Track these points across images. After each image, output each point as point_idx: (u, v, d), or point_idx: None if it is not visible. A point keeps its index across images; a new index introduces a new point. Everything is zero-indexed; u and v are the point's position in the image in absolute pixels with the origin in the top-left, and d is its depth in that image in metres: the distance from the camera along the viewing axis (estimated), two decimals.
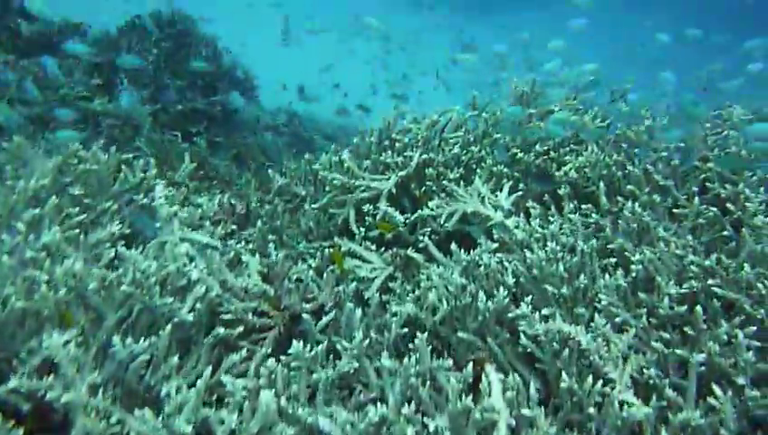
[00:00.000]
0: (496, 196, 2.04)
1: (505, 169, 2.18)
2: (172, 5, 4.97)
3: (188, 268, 1.46)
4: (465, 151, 2.27)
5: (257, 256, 1.86)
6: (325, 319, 1.49)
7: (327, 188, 2.18)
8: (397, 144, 2.29)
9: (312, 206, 2.15)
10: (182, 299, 1.37)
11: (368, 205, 2.08)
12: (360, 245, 1.99)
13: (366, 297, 1.77)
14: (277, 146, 6.29)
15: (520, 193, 2.07)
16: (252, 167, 3.67)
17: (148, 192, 1.91)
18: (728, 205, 1.67)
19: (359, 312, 1.49)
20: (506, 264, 1.59)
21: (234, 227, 2.12)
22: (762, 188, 1.78)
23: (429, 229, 2.02)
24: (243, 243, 1.94)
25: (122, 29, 4.75)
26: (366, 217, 2.06)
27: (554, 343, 1.24)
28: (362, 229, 2.03)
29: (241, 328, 1.40)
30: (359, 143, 2.29)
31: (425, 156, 2.22)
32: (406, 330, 1.45)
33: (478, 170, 2.20)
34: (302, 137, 6.67)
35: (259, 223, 2.05)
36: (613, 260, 1.59)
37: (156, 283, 1.32)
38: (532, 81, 2.78)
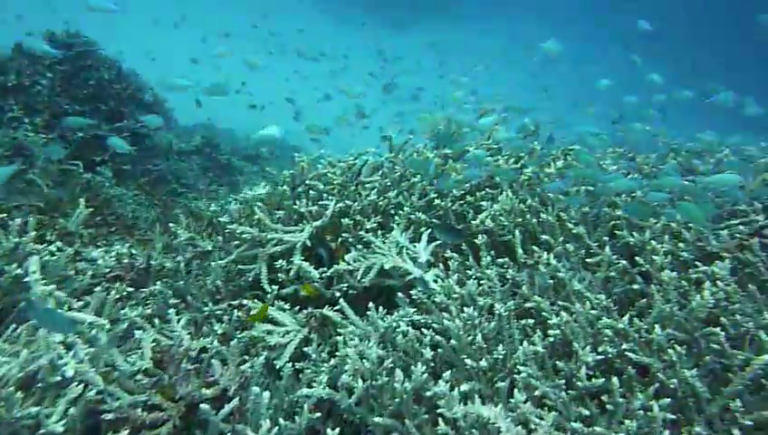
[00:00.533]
0: (415, 246, 1.97)
1: (423, 216, 2.12)
2: (69, 26, 4.57)
3: (64, 360, 1.26)
4: (382, 197, 2.20)
5: (155, 324, 1.67)
6: (228, 407, 1.34)
7: (236, 243, 2.02)
8: (311, 191, 2.18)
9: (220, 262, 1.98)
10: (53, 403, 1.18)
11: (281, 260, 1.95)
12: (273, 305, 1.85)
13: (278, 367, 1.64)
14: (192, 172, 5.97)
15: (439, 241, 2.01)
16: (161, 201, 3.40)
17: (25, 259, 1.67)
18: (637, 258, 1.70)
19: (266, 395, 1.36)
20: (425, 331, 1.51)
21: (130, 289, 1.91)
22: (666, 236, 1.84)
23: (346, 285, 1.91)
24: (139, 309, 1.74)
25: (12, 51, 4.30)
26: (279, 274, 1.93)
27: (474, 430, 1.17)
28: (275, 287, 1.89)
29: (127, 431, 1.22)
30: (270, 191, 2.15)
31: (341, 204, 2.12)
32: (318, 415, 1.33)
33: (396, 218, 2.13)
34: (218, 161, 6.38)
35: (159, 285, 1.86)
36: (531, 321, 1.56)
37: (17, 389, 1.11)
38: (448, 119, 2.78)
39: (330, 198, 2.14)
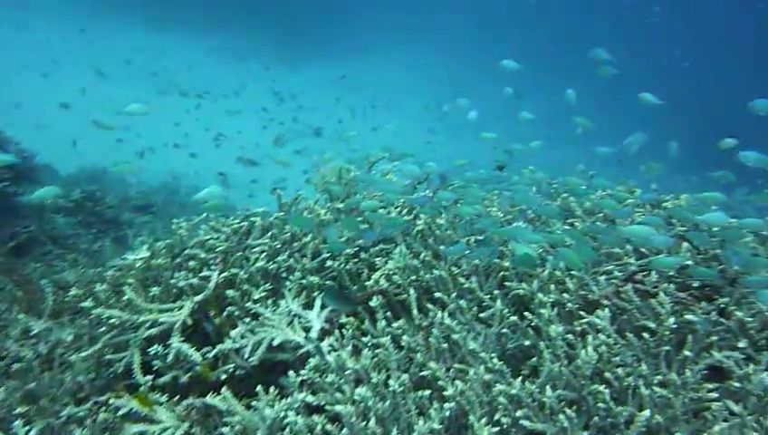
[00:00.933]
0: (308, 314, 1.86)
1: (316, 279, 2.03)
2: None
3: None
4: (272, 262, 2.07)
5: None
6: None
7: (103, 329, 1.80)
8: (192, 262, 2.01)
9: (82, 354, 1.74)
10: None
11: (158, 344, 1.75)
12: (147, 397, 1.65)
13: None
14: (71, 229, 5.43)
15: (333, 307, 1.92)
16: (20, 278, 3.00)
17: None
18: (525, 312, 1.71)
19: None
20: (316, 418, 1.40)
21: None
22: (553, 286, 1.88)
23: (233, 366, 1.76)
24: None
25: None
26: (155, 360, 1.73)
27: None
28: (149, 378, 1.69)
29: None
30: (143, 266, 1.95)
31: (225, 274, 1.97)
32: None
33: (287, 283, 2.01)
34: (102, 215, 5.86)
35: (2, 392, 1.59)
36: (428, 392, 1.50)
37: None
38: (339, 169, 2.73)
39: (213, 267, 1.99)
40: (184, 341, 1.76)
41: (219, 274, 1.95)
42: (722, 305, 1.66)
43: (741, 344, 1.50)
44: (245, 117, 10.65)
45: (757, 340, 1.54)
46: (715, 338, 1.52)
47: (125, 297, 1.81)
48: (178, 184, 8.80)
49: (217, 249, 2.07)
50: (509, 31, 17.05)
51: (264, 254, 2.11)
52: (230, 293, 1.90)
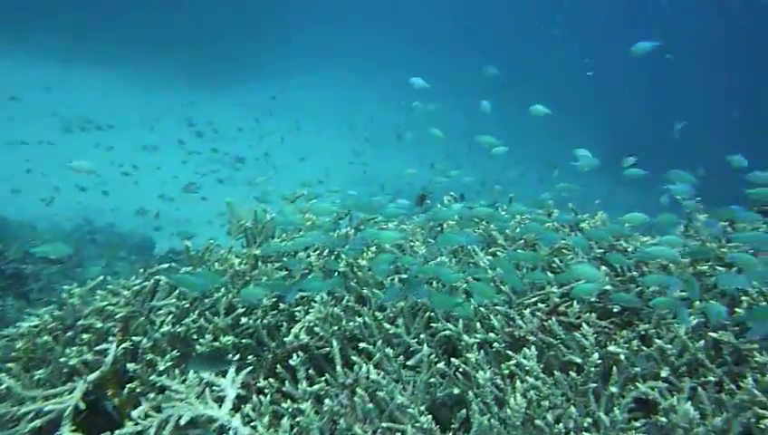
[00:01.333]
0: (221, 381, 1.70)
1: (231, 339, 1.87)
2: None
3: None
4: (179, 324, 1.89)
5: None
6: None
7: None
8: (86, 334, 1.79)
9: None
10: None
11: None
12: None
13: None
14: None
15: (250, 368, 1.77)
16: None
17: None
18: (452, 359, 1.64)
19: None
20: None
21: None
22: (479, 325, 1.83)
23: None
24: None
25: None
26: None
27: None
28: None
29: None
30: (27, 345, 1.71)
31: (126, 344, 1.77)
32: None
33: (198, 347, 1.84)
34: (2, 271, 5.31)
35: None
36: None
37: None
38: (254, 212, 2.58)
39: (111, 338, 1.78)
40: (75, 430, 1.55)
41: (118, 345, 1.75)
42: (642, 333, 1.66)
43: (663, 374, 1.49)
44: (163, 151, 10.17)
45: (678, 366, 1.55)
46: (638, 369, 1.51)
47: (2, 386, 1.57)
48: (93, 226, 8.21)
49: (116, 316, 1.86)
50: (438, 47, 17.41)
51: (171, 316, 1.92)
52: (131, 366, 1.70)
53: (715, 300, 1.74)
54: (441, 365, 1.63)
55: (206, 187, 9.19)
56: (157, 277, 2.04)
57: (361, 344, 1.79)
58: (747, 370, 1.52)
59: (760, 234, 2.05)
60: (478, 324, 1.81)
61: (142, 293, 1.99)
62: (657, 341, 1.57)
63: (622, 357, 1.53)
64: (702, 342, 1.57)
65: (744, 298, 1.72)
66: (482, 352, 1.65)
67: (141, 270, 2.07)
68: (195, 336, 1.91)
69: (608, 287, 1.88)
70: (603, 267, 1.99)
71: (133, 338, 1.80)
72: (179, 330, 1.89)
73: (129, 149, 9.79)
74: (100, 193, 9.13)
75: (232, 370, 1.74)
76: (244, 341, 1.90)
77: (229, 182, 9.42)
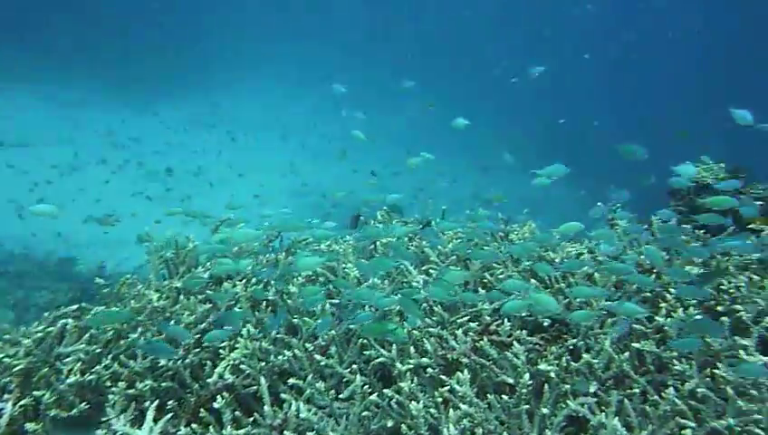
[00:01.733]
0: (136, 433, 1.56)
1: (149, 383, 1.72)
2: None
3: None
4: (89, 372, 1.73)
5: None
6: None
7: None
8: None
9: None
10: None
11: None
12: None
13: None
14: None
15: (170, 415, 1.64)
16: None
17: None
18: (385, 390, 1.59)
19: None
20: None
21: None
22: (413, 349, 1.78)
23: None
24: None
25: None
26: None
27: None
28: None
29: None
30: None
31: (25, 400, 1.59)
32: None
33: (111, 396, 1.68)
34: None
35: None
36: None
37: None
38: (176, 242, 2.43)
39: (6, 396, 1.59)
40: None
41: (16, 403, 1.57)
42: (570, 347, 1.68)
43: (592, 389, 1.51)
44: (84, 170, 9.56)
45: (605, 380, 1.57)
46: (568, 386, 1.52)
47: None
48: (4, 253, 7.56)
49: (15, 369, 1.68)
50: (374, 57, 17.41)
51: (80, 363, 1.76)
52: (31, 426, 1.53)
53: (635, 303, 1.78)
54: (374, 397, 1.57)
55: (135, 205, 8.69)
56: (63, 321, 1.87)
57: (291, 381, 1.70)
58: (669, 377, 1.57)
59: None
60: (412, 349, 1.76)
61: (46, 339, 1.81)
62: (585, 355, 1.58)
63: (552, 375, 1.53)
64: (627, 353, 1.60)
65: (662, 304, 1.78)
66: (415, 379, 1.60)
67: (46, 314, 1.89)
68: (107, 385, 1.75)
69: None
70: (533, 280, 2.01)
71: (34, 393, 1.62)
72: (89, 379, 1.73)
73: (46, 168, 9.13)
74: (15, 217, 8.44)
75: (149, 418, 1.60)
76: (164, 384, 1.77)
77: (158, 200, 8.97)
